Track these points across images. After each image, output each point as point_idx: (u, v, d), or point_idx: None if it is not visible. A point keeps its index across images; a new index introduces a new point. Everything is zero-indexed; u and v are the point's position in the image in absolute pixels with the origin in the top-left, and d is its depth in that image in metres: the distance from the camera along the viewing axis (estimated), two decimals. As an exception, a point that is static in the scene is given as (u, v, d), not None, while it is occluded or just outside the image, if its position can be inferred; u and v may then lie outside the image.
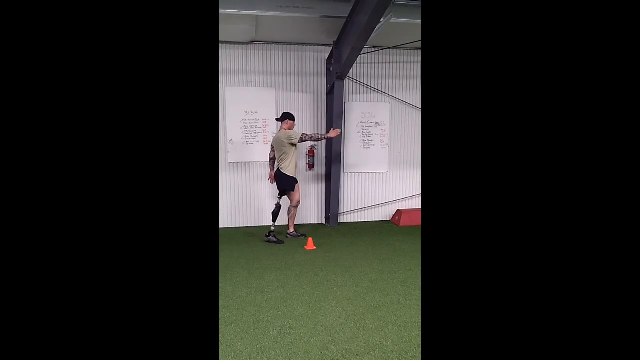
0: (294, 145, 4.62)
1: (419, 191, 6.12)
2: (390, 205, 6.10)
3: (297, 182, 4.75)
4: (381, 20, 4.31)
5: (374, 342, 2.29)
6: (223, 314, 2.69)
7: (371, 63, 5.73)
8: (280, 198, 4.81)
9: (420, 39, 5.16)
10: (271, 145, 4.86)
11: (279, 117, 4.82)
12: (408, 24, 4.80)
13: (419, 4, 4.72)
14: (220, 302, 2.88)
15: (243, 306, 2.84)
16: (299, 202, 4.87)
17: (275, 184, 4.86)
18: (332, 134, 4.66)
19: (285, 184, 4.69)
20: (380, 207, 6.08)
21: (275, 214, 4.77)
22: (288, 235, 4.96)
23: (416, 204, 6.16)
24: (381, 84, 5.82)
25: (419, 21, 4.83)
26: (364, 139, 5.86)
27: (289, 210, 4.95)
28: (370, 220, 6.05)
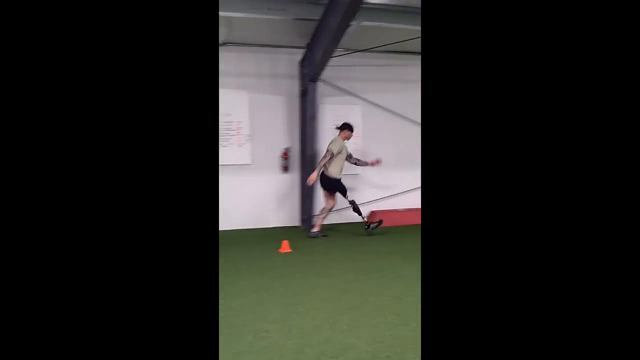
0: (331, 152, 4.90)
1: (391, 192, 6.20)
2: (364, 207, 6.15)
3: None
4: (352, 23, 4.36)
5: (348, 343, 2.31)
6: (196, 320, 2.65)
7: (344, 66, 5.78)
8: (347, 198, 5.01)
9: (391, 42, 5.24)
10: None
11: (338, 126, 5.09)
12: (380, 28, 4.88)
13: (390, 8, 4.80)
14: (194, 308, 2.84)
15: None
16: (333, 207, 5.11)
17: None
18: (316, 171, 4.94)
19: (331, 187, 4.98)
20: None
21: (357, 210, 5.02)
22: (311, 234, 5.07)
23: (389, 205, 6.24)
24: (354, 87, 5.88)
25: (390, 25, 4.91)
26: (338, 141, 5.90)
27: (322, 211, 5.12)
28: (345, 221, 6.09)
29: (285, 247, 4.49)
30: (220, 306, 2.88)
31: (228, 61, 5.38)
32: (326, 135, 5.80)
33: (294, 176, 5.83)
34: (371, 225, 5.06)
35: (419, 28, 4.96)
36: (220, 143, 5.45)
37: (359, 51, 5.61)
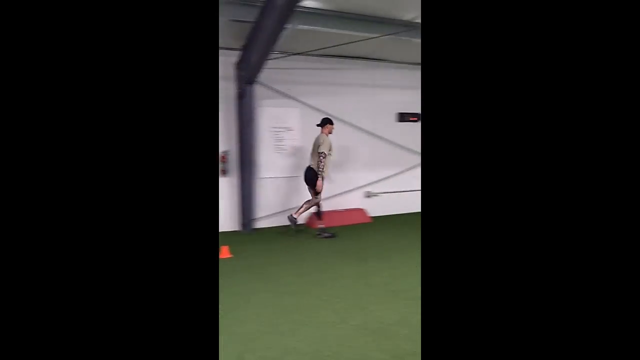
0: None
1: (331, 194, 6.30)
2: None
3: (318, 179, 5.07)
4: (287, 26, 4.38)
5: (289, 346, 2.32)
6: (129, 334, 2.52)
7: (282, 69, 5.78)
8: (317, 198, 5.10)
9: (327, 46, 5.34)
10: None
11: (319, 123, 5.15)
12: (316, 32, 4.95)
13: (325, 12, 4.89)
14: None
15: (152, 323, 2.68)
16: (320, 197, 5.18)
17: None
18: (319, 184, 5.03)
19: (314, 181, 5.02)
20: (294, 211, 6.14)
21: (319, 214, 5.14)
22: (293, 216, 5.18)
23: (329, 206, 6.32)
24: (292, 90, 5.90)
25: (326, 29, 5.00)
26: (276, 143, 5.89)
27: (309, 201, 5.17)
28: (286, 224, 6.08)
29: (225, 252, 4.40)
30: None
31: (160, 62, 5.16)
32: (264, 138, 5.76)
33: (233, 180, 5.73)
34: (323, 234, 5.13)
35: (354, 33, 5.11)
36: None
37: (296, 54, 5.64)
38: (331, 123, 5.16)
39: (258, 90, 5.62)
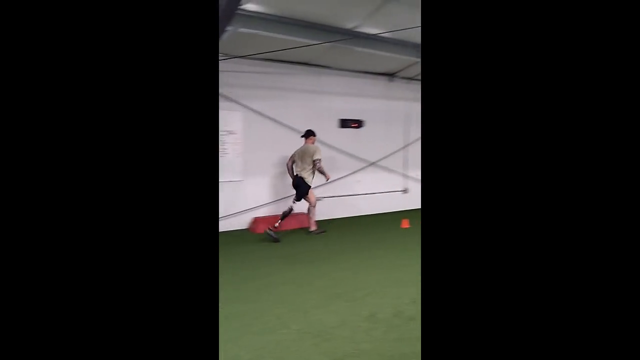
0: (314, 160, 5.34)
1: (274, 198, 6.27)
2: (247, 214, 6.11)
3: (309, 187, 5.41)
4: (228, 28, 4.33)
5: (230, 354, 2.28)
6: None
7: (223, 71, 5.67)
8: (295, 202, 5.34)
9: (270, 50, 5.33)
10: (292, 154, 5.50)
11: (303, 134, 5.53)
12: (258, 36, 4.92)
13: (267, 17, 4.87)
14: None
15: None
16: (315, 201, 5.52)
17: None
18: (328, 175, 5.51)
19: (303, 191, 5.35)
20: (237, 216, 6.04)
21: (285, 214, 5.24)
22: (314, 230, 5.50)
23: (271, 211, 6.29)
24: (233, 93, 5.81)
25: (268, 33, 4.98)
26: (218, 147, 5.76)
27: (309, 211, 5.50)
28: (228, 230, 5.96)
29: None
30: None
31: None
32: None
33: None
34: (272, 234, 5.14)
35: (296, 39, 5.14)
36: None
37: (238, 57, 5.57)
38: (314, 135, 5.53)
39: (198, 92, 5.47)
